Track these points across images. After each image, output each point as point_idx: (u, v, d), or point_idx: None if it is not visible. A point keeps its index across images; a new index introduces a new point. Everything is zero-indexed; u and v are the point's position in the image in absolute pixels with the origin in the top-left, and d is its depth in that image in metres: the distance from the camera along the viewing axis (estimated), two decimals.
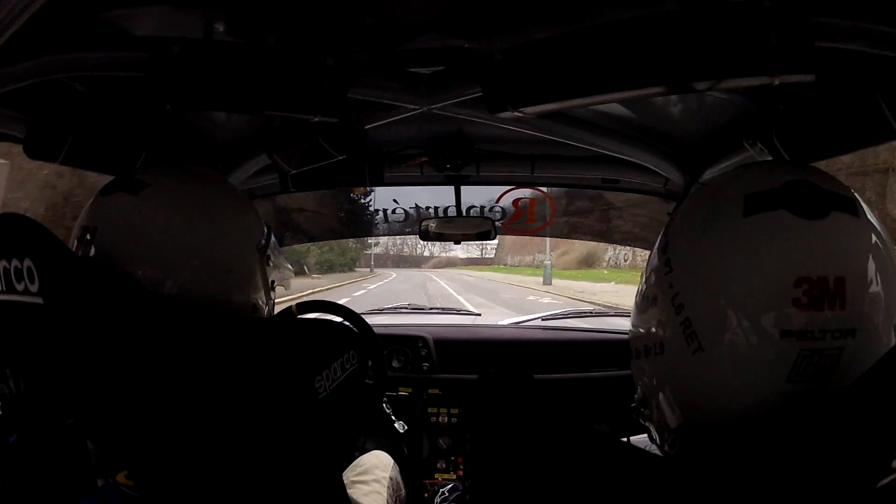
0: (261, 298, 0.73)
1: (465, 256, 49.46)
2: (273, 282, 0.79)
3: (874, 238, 0.47)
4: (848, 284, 0.44)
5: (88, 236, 0.63)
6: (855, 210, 0.47)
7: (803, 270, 0.44)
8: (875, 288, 0.46)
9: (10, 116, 0.81)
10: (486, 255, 47.99)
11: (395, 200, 1.66)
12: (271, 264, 0.76)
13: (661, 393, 0.53)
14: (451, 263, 49.07)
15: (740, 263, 0.47)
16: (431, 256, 52.50)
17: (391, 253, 52.97)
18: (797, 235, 0.46)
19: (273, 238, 0.77)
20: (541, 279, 20.63)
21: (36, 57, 0.63)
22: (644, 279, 0.56)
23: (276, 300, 0.82)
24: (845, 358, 0.44)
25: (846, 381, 0.42)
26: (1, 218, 0.56)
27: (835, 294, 0.44)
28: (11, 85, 0.63)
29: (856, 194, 0.49)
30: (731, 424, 0.46)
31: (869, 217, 0.48)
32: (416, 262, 52.54)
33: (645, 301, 0.55)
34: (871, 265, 0.46)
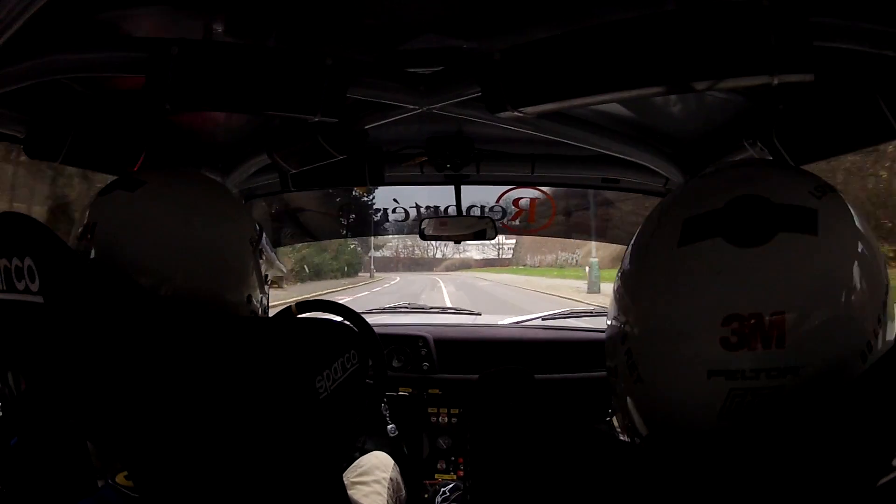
0: (255, 292, 0.74)
1: (481, 258, 46.82)
2: (267, 275, 0.79)
3: (840, 256, 0.42)
4: (789, 319, 0.40)
5: (88, 234, 0.63)
6: (813, 227, 0.41)
7: (733, 307, 0.40)
8: (832, 317, 0.40)
9: (10, 116, 0.81)
10: (504, 256, 44.91)
11: (395, 200, 1.66)
12: (264, 258, 0.77)
13: (623, 408, 0.52)
14: (466, 265, 46.68)
15: (671, 300, 0.44)
16: (444, 258, 49.87)
17: (401, 255, 49.93)
18: (729, 267, 0.42)
19: (265, 234, 0.78)
20: (574, 283, 16.20)
21: (36, 57, 0.63)
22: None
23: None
24: (788, 395, 0.40)
25: (792, 418, 0.38)
26: (1, 217, 0.56)
27: (770, 331, 0.40)
28: (11, 85, 0.64)
29: (832, 199, 0.43)
30: (690, 437, 0.45)
31: (839, 229, 0.42)
32: (427, 264, 49.77)
33: (608, 321, 0.54)
34: (828, 292, 0.41)
